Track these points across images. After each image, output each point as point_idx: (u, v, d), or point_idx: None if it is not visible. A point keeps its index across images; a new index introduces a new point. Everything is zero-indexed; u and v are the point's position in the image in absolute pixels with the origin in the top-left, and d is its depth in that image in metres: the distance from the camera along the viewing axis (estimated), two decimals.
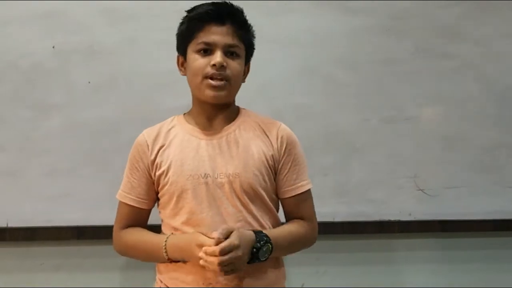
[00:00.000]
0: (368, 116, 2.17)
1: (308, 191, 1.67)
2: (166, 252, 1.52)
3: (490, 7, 2.22)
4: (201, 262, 1.40)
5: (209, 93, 1.54)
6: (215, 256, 1.37)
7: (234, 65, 1.56)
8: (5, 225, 2.02)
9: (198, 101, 1.63)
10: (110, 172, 2.04)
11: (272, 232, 1.52)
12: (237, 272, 1.44)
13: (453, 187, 2.21)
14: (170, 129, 1.63)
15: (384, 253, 2.24)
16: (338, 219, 2.14)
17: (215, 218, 1.53)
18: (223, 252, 1.37)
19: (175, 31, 2.03)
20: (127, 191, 1.63)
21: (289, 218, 1.67)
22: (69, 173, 2.04)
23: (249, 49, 1.65)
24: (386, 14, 2.18)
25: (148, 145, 1.61)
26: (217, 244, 1.38)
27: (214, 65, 1.52)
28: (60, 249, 2.09)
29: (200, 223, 1.52)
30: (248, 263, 1.45)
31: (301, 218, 1.66)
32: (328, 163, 2.15)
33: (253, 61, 2.03)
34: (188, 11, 1.62)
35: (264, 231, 1.50)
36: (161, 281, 1.61)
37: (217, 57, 1.52)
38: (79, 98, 2.05)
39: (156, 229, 1.64)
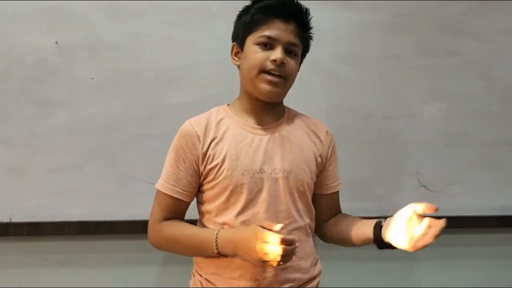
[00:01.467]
0: (371, 113, 2.18)
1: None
2: (217, 246, 1.48)
3: (494, 3, 2.22)
4: (262, 256, 1.38)
5: (265, 87, 1.52)
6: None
7: (292, 63, 1.55)
8: (9, 220, 2.03)
9: (248, 96, 1.61)
10: (115, 168, 2.05)
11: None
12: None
13: (456, 183, 2.21)
14: (219, 121, 1.59)
15: (386, 249, 2.24)
16: None
17: (268, 214, 1.52)
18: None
19: (178, 26, 2.06)
20: (171, 183, 1.57)
21: (326, 213, 1.70)
22: (73, 169, 2.04)
23: (305, 50, 1.64)
24: (389, 11, 2.18)
25: (198, 137, 1.55)
26: (282, 238, 1.36)
27: (274, 60, 1.50)
28: (64, 244, 2.09)
29: (251, 219, 1.50)
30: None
31: (339, 211, 1.74)
32: None
33: None
34: (254, 2, 1.59)
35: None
36: (201, 275, 1.59)
37: (278, 53, 1.51)
38: (84, 94, 2.04)
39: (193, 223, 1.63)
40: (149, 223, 1.61)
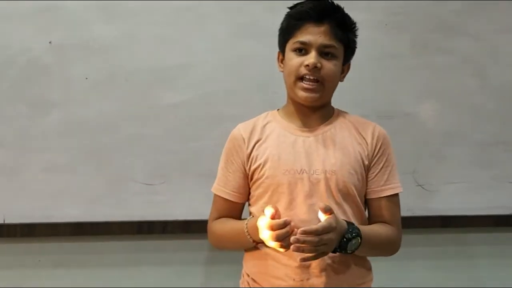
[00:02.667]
0: (366, 112, 2.15)
1: (397, 195, 1.65)
2: (249, 234, 1.52)
3: (487, 2, 2.21)
4: (292, 240, 1.35)
5: (302, 94, 1.54)
6: (314, 235, 1.34)
7: (329, 66, 1.54)
8: (2, 221, 2.01)
9: (292, 100, 1.63)
10: (109, 168, 2.04)
11: (362, 228, 1.49)
12: (323, 256, 1.42)
13: (452, 183, 2.21)
14: (265, 124, 1.63)
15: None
16: None
17: (309, 215, 1.51)
18: (323, 231, 1.35)
19: (173, 26, 2.06)
20: (222, 185, 1.63)
21: (373, 220, 1.64)
22: (67, 169, 2.03)
23: (349, 48, 1.62)
24: (383, 10, 2.18)
25: (244, 139, 1.61)
26: (270, 225, 1.38)
27: (307, 65, 1.51)
28: (58, 245, 2.07)
29: (293, 219, 1.47)
30: (334, 252, 1.44)
31: (386, 222, 1.62)
32: None
33: (253, 56, 2.04)
34: (290, 8, 1.62)
35: (355, 225, 1.48)
36: (248, 275, 1.62)
37: (311, 57, 1.51)
38: (77, 94, 2.03)
39: None
40: (208, 225, 1.68)
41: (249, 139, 1.60)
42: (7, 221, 2.01)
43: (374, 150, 1.61)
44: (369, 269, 1.67)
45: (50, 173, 2.02)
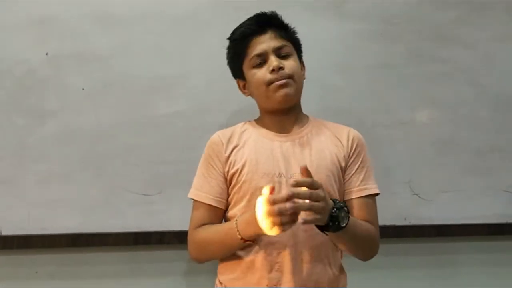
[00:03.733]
0: (362, 121, 2.18)
1: (374, 196, 1.68)
2: (238, 230, 1.51)
3: (482, 11, 2.24)
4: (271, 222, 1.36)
5: (279, 93, 1.59)
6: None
7: (290, 62, 1.62)
8: None
9: (267, 112, 1.68)
10: (105, 178, 2.04)
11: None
12: (320, 222, 1.40)
13: (448, 191, 2.21)
14: (243, 131, 1.68)
15: (379, 257, 2.22)
16: None
17: None
18: (314, 185, 1.36)
19: (168, 36, 2.07)
20: (205, 191, 1.63)
21: None
22: (63, 180, 2.02)
23: (297, 46, 1.71)
24: (379, 19, 2.20)
25: (222, 144, 1.64)
26: (273, 199, 1.35)
27: (272, 70, 1.57)
28: (55, 256, 2.06)
29: None
30: (329, 229, 1.42)
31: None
32: None
33: None
34: (230, 36, 1.70)
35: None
36: (221, 283, 1.63)
37: (273, 61, 1.58)
38: (74, 104, 2.03)
39: None
40: (188, 236, 1.66)
41: (227, 144, 1.64)
42: (4, 233, 2.00)
43: (350, 152, 1.66)
44: (342, 271, 1.67)
45: (47, 184, 2.02)
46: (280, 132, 1.65)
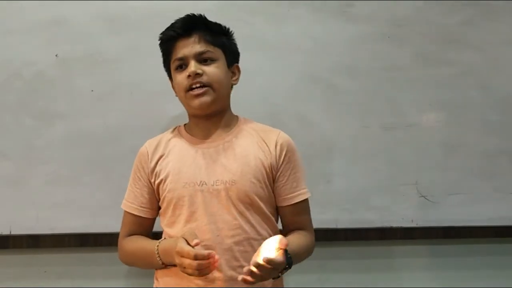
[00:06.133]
0: (369, 123, 2.18)
1: (307, 200, 1.67)
2: (159, 257, 1.54)
3: (490, 13, 2.23)
4: (182, 270, 1.41)
5: (195, 102, 1.58)
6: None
7: (211, 69, 1.59)
8: (8, 233, 2.03)
9: (191, 116, 1.68)
10: (113, 180, 2.05)
11: (292, 251, 1.49)
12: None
13: (455, 194, 2.21)
14: (170, 139, 1.67)
15: (386, 259, 2.24)
16: (340, 225, 2.14)
17: (210, 225, 1.54)
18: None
19: None
20: (130, 201, 1.67)
21: (287, 227, 1.68)
22: (72, 181, 2.05)
23: (228, 51, 1.67)
24: (386, 21, 2.19)
25: (148, 154, 1.65)
26: (195, 254, 1.38)
27: (189, 76, 1.56)
28: (63, 256, 2.09)
29: (196, 230, 1.51)
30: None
31: (299, 227, 1.66)
32: (329, 170, 2.15)
33: (254, 68, 2.05)
34: (159, 36, 1.69)
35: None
36: (157, 279, 1.65)
37: (190, 67, 1.57)
38: (82, 107, 2.05)
39: (159, 236, 1.65)
40: (118, 241, 1.71)
41: (153, 154, 1.65)
42: (13, 233, 2.03)
43: (279, 159, 1.62)
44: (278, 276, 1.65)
45: (55, 185, 2.04)
46: (205, 137, 1.64)
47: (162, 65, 2.05)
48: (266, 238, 1.55)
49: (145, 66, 2.07)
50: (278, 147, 1.63)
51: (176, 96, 1.69)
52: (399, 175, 2.19)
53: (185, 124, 1.73)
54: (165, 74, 2.04)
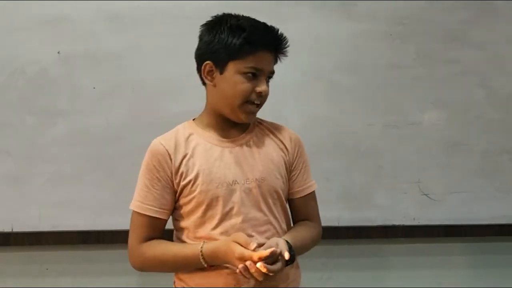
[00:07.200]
0: (372, 121, 2.18)
1: (314, 191, 1.71)
2: (204, 259, 1.49)
3: (493, 12, 2.23)
4: (241, 270, 1.39)
5: (246, 117, 1.56)
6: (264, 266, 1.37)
7: (268, 90, 1.57)
8: (10, 230, 2.03)
9: (216, 114, 1.61)
10: (115, 178, 2.05)
11: (293, 241, 1.52)
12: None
13: (457, 192, 2.21)
14: (188, 137, 1.60)
15: (388, 257, 2.24)
16: (342, 223, 2.15)
17: (244, 224, 1.54)
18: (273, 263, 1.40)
19: (179, 37, 2.07)
20: (149, 203, 1.56)
21: (297, 218, 1.70)
22: (74, 179, 2.05)
23: None
24: (389, 20, 2.19)
25: (169, 154, 1.56)
26: (258, 256, 1.37)
27: (260, 92, 1.53)
28: (65, 253, 2.09)
29: (229, 230, 1.52)
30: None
31: (308, 217, 1.69)
32: (332, 168, 2.16)
33: None
34: (241, 27, 1.56)
35: (286, 239, 1.50)
36: (181, 279, 1.61)
37: (263, 85, 1.53)
38: (85, 104, 2.05)
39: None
40: (129, 246, 1.60)
41: (175, 153, 1.56)
42: (15, 230, 2.03)
43: (294, 154, 1.66)
44: (297, 267, 1.68)
45: (57, 183, 2.04)
46: (225, 136, 1.61)
47: (163, 63, 2.07)
48: (286, 231, 1.61)
49: (147, 64, 2.07)
50: (293, 143, 1.66)
51: (209, 82, 1.59)
52: (401, 173, 2.20)
53: (194, 120, 1.68)
54: (165, 72, 2.06)
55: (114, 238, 2.06)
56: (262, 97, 1.55)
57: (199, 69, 1.63)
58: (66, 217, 2.04)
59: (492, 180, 2.23)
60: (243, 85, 1.53)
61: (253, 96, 1.53)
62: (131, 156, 2.05)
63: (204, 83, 1.63)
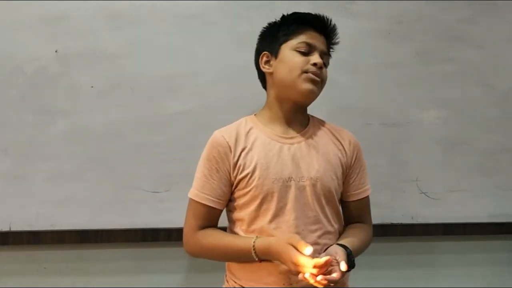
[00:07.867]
0: (370, 120, 2.18)
1: (369, 196, 1.75)
2: (256, 255, 1.53)
3: (491, 10, 2.24)
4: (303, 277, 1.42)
5: (308, 86, 1.59)
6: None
7: (325, 71, 1.63)
8: (8, 229, 2.02)
9: (279, 103, 1.66)
10: (114, 176, 2.05)
11: (352, 246, 1.57)
12: None
13: (455, 191, 2.22)
14: (248, 131, 1.64)
15: (387, 256, 2.24)
16: None
17: (297, 221, 1.57)
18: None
19: (177, 35, 2.07)
20: (206, 193, 1.61)
21: (349, 220, 1.74)
22: (72, 177, 2.04)
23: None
24: (387, 18, 2.20)
25: (230, 147, 1.60)
26: (313, 264, 1.39)
27: (315, 64, 1.57)
28: (64, 253, 2.08)
29: (282, 225, 1.56)
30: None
31: (360, 221, 1.74)
32: None
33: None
34: (288, 15, 1.69)
35: (346, 244, 1.55)
36: (235, 282, 1.63)
37: (318, 57, 1.59)
38: (83, 103, 2.04)
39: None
40: (185, 232, 1.65)
41: (235, 146, 1.60)
42: (13, 229, 2.02)
43: (352, 157, 1.69)
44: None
45: (56, 181, 2.03)
46: (284, 132, 1.64)
47: (162, 61, 2.06)
48: (336, 232, 1.64)
49: (145, 62, 2.07)
50: (352, 146, 1.70)
51: (268, 71, 1.66)
52: (400, 171, 2.20)
53: (255, 114, 1.71)
54: (165, 70, 2.06)
55: (113, 237, 2.06)
56: (319, 70, 1.58)
57: (257, 65, 1.70)
58: (65, 216, 2.03)
59: (490, 179, 2.24)
60: (298, 58, 1.59)
61: (309, 67, 1.58)
62: (130, 154, 2.05)
63: (263, 80, 1.70)
